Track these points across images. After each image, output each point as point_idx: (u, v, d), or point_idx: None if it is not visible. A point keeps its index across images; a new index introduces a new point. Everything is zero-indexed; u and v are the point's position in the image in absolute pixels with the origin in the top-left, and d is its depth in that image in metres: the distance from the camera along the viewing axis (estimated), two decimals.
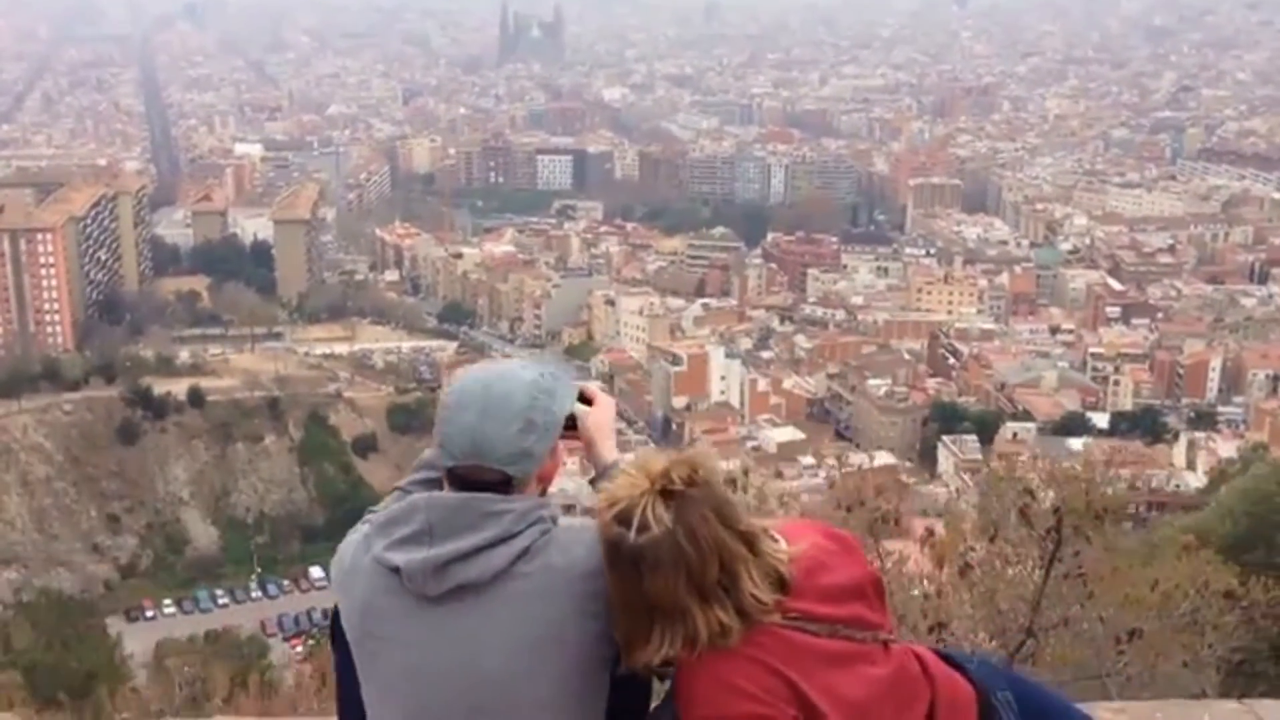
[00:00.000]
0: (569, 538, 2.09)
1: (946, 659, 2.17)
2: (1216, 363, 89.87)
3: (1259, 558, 8.16)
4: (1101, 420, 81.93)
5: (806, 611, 1.92)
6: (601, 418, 2.35)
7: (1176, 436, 75.59)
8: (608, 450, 2.31)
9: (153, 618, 63.18)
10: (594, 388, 2.40)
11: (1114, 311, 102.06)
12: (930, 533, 7.97)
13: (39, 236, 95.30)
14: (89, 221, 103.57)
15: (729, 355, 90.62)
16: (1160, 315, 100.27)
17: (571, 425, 2.26)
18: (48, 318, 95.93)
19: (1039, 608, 6.99)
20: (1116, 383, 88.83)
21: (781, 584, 1.92)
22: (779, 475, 73.45)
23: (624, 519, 1.90)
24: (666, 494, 1.90)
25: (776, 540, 1.97)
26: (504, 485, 2.10)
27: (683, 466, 1.91)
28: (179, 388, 79.35)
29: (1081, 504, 6.89)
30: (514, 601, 2.03)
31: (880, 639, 2.00)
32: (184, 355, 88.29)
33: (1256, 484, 8.94)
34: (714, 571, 1.86)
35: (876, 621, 2.00)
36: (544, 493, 2.20)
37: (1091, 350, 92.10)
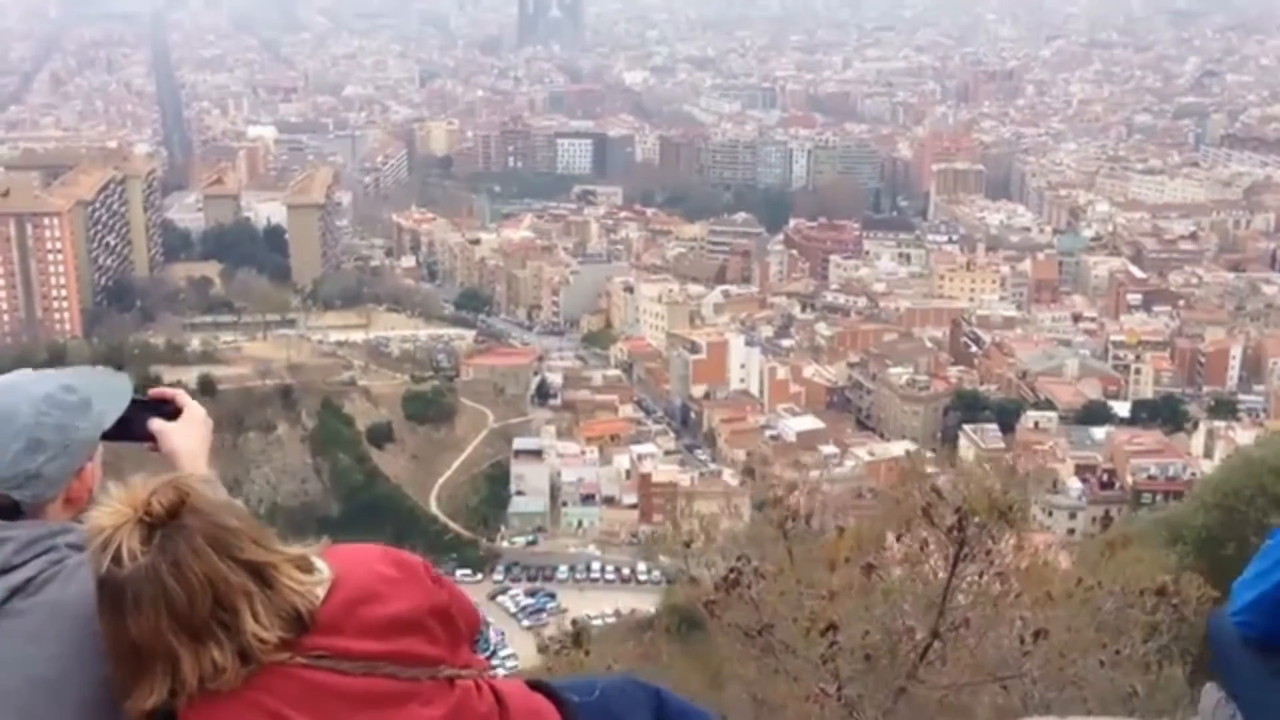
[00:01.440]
0: (87, 570, 1.82)
1: (549, 691, 2.05)
2: (1237, 351, 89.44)
3: (1232, 552, 7.85)
4: (1123, 409, 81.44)
5: (340, 648, 1.75)
6: (188, 434, 2.17)
7: (1196, 425, 74.63)
8: (194, 471, 2.12)
9: None
10: (185, 398, 2.21)
11: (1135, 299, 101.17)
12: (841, 531, 7.78)
13: (46, 220, 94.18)
14: (98, 205, 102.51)
15: (749, 343, 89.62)
16: (1182, 303, 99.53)
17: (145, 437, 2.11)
18: (55, 304, 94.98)
19: (944, 609, 6.96)
20: (1138, 371, 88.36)
21: (300, 619, 1.74)
22: (798, 464, 73.06)
23: (105, 551, 1.70)
24: (150, 524, 1.70)
25: (312, 570, 1.78)
26: (11, 511, 1.90)
27: (167, 493, 1.72)
28: (189, 376, 78.26)
29: (985, 503, 6.88)
30: (11, 640, 1.79)
31: (443, 675, 1.83)
32: (195, 343, 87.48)
33: (1227, 475, 8.66)
34: (205, 608, 1.68)
35: (436, 656, 1.83)
36: (76, 517, 1.94)
37: (1113, 338, 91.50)
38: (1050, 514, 54.58)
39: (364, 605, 1.79)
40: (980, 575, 7.09)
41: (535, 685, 2.06)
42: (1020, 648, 6.80)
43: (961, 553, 7.09)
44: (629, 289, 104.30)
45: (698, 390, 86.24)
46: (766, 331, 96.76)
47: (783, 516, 7.38)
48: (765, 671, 7.45)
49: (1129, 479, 65.90)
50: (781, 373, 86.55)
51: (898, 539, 7.35)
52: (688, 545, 8.31)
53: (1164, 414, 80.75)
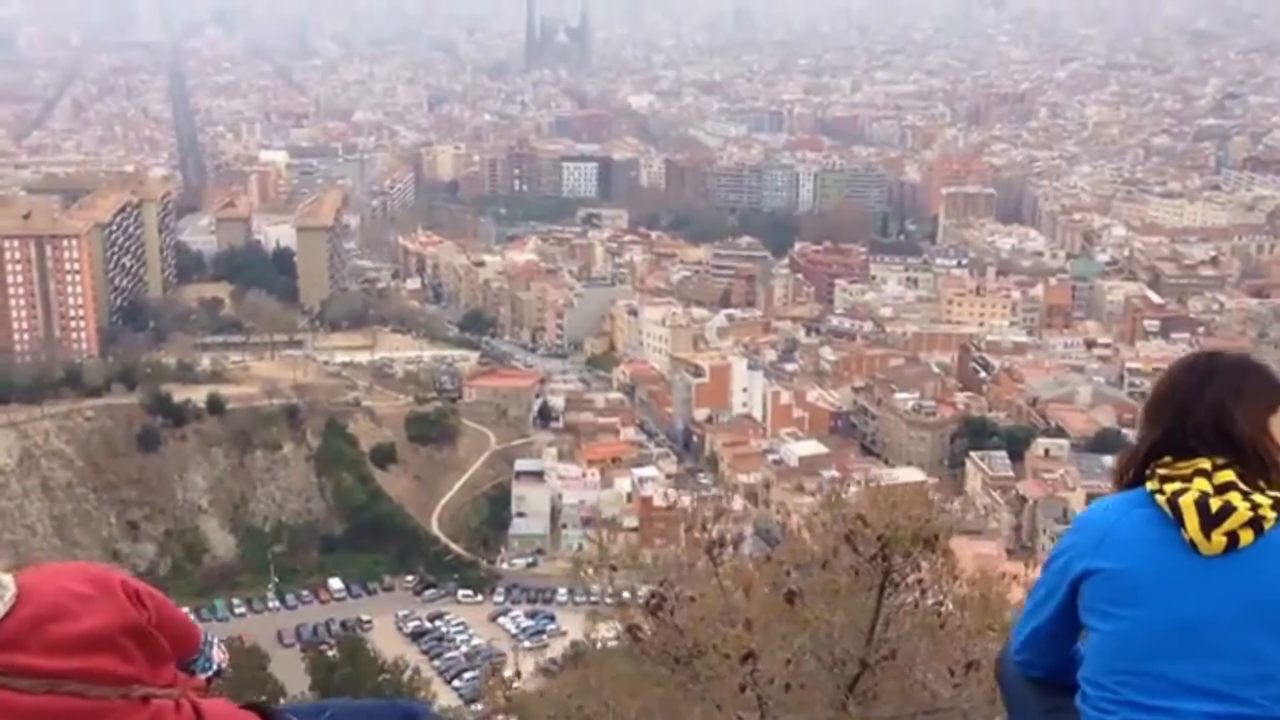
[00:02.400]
0: None
1: (265, 711, 2.03)
2: None
3: None
4: None
5: (21, 665, 1.72)
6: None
7: None
8: None
9: None
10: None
11: (1153, 325, 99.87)
12: (767, 558, 7.69)
13: (65, 242, 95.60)
14: (114, 228, 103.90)
15: (751, 367, 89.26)
16: (1201, 329, 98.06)
17: None
18: (73, 324, 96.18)
19: (872, 639, 6.83)
20: None
21: None
22: (800, 489, 72.57)
23: None
24: None
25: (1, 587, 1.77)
26: None
27: None
28: (199, 395, 79.10)
29: (909, 531, 6.72)
30: None
31: (136, 694, 1.80)
32: (205, 362, 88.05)
33: None
34: None
35: (130, 674, 1.80)
36: None
37: (1129, 365, 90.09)
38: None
39: (52, 622, 1.76)
40: (915, 605, 6.94)
41: (252, 705, 2.03)
42: (951, 680, 6.67)
43: (887, 580, 6.99)
44: (632, 312, 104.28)
45: (700, 414, 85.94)
46: (770, 355, 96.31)
47: (710, 542, 7.25)
48: (691, 698, 7.41)
49: None
50: (785, 397, 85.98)
51: (823, 566, 7.19)
52: (614, 569, 8.27)
53: None
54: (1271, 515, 2.26)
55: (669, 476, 78.10)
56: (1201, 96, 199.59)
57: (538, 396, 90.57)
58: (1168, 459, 2.36)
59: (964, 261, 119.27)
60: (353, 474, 78.68)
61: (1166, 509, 2.30)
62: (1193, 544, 2.27)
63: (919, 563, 6.87)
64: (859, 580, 7.11)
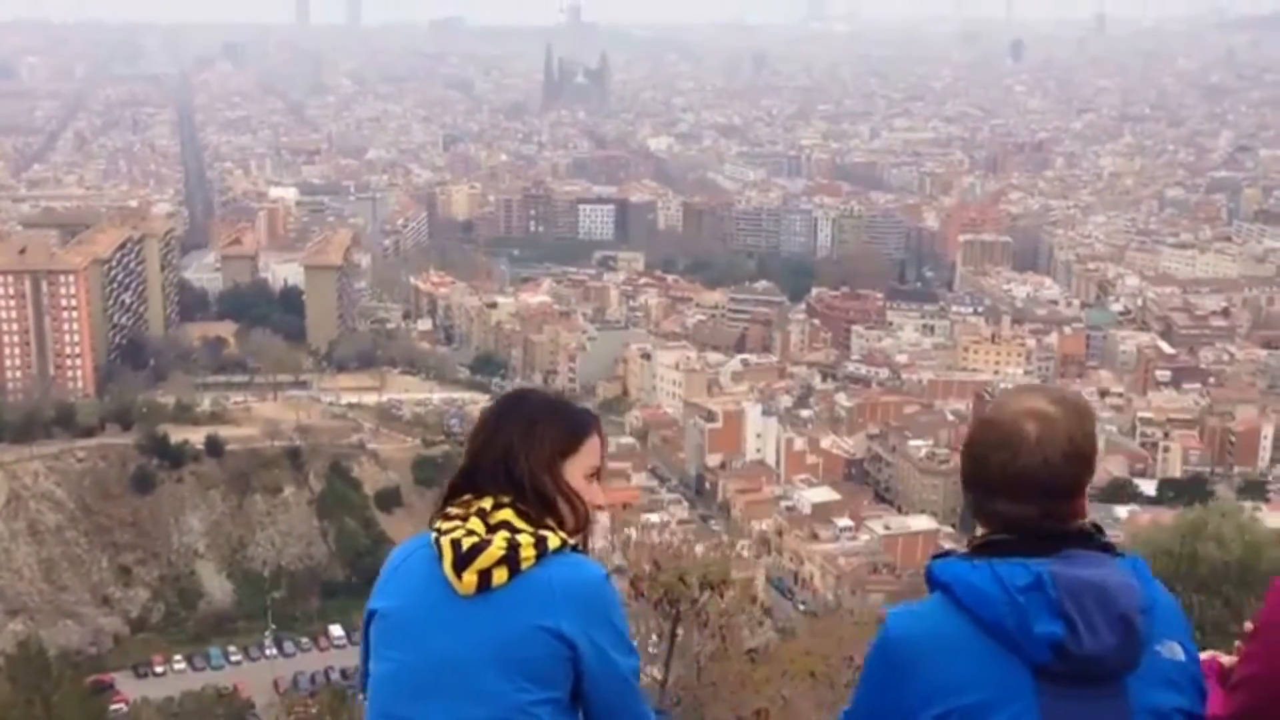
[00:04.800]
0: None
1: None
2: (1269, 430, 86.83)
3: None
4: (1149, 487, 79.06)
5: None
6: None
7: None
8: None
9: (162, 674, 61.54)
10: None
11: (1164, 375, 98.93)
12: None
13: (61, 279, 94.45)
14: (114, 264, 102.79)
15: (765, 413, 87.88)
16: (1212, 380, 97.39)
17: None
18: (69, 362, 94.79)
19: (665, 684, 6.85)
20: (1166, 449, 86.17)
21: None
22: (814, 537, 71.07)
23: None
24: None
25: None
26: None
27: None
28: (197, 436, 77.57)
29: (697, 577, 6.83)
30: None
31: None
32: (205, 403, 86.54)
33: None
34: None
35: None
36: None
37: (1141, 415, 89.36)
38: None
39: None
40: (711, 652, 6.53)
41: None
42: None
43: (677, 626, 7.03)
44: (646, 356, 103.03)
45: (713, 460, 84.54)
46: (786, 401, 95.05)
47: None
48: None
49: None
50: (799, 443, 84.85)
51: None
52: None
53: (1191, 493, 78.15)
54: (531, 554, 2.29)
55: (680, 522, 76.30)
56: (1214, 149, 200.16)
57: None
58: (468, 497, 2.40)
59: (980, 309, 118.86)
60: (356, 518, 77.02)
61: (434, 548, 2.33)
62: (451, 583, 2.30)
63: (704, 610, 6.65)
64: (648, 626, 6.87)
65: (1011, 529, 2.25)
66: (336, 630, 68.21)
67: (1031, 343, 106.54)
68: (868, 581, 62.96)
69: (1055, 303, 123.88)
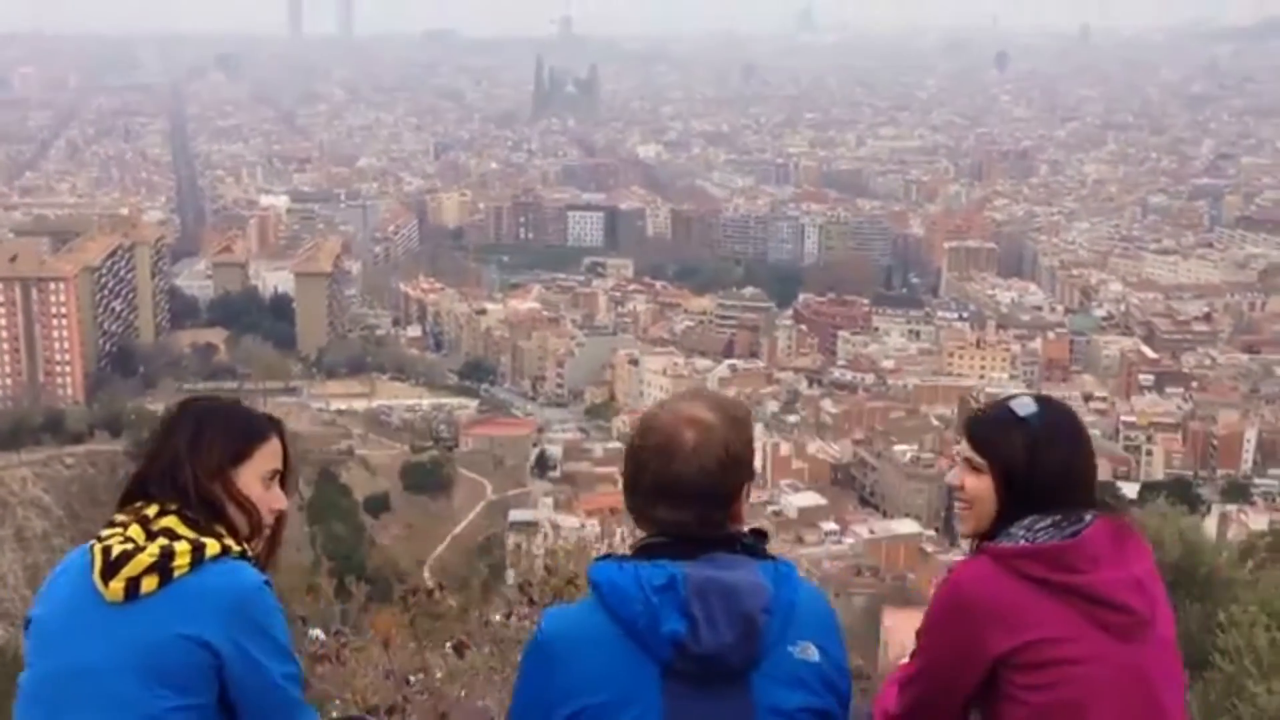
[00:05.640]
0: None
1: None
2: (1252, 434, 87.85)
3: None
4: (1131, 490, 79.63)
5: None
6: None
7: (1209, 508, 72.86)
8: None
9: None
10: None
11: (1147, 380, 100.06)
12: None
13: (51, 286, 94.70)
14: (104, 271, 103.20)
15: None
16: (1195, 384, 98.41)
17: None
18: (58, 369, 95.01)
19: None
20: (1149, 452, 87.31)
21: None
22: (800, 540, 71.88)
23: None
24: None
25: None
26: None
27: None
28: None
29: (563, 574, 6.52)
30: None
31: None
32: None
33: None
34: None
35: None
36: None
37: (1124, 419, 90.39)
38: None
39: None
40: None
41: None
42: None
43: None
44: (634, 362, 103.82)
45: None
46: (772, 406, 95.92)
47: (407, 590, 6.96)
48: None
49: None
50: (785, 448, 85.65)
51: (506, 617, 6.72)
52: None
53: (1174, 496, 78.68)
54: (185, 562, 2.29)
55: None
56: (1196, 157, 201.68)
57: (535, 446, 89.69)
58: (139, 504, 2.41)
59: (965, 315, 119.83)
60: (345, 523, 77.41)
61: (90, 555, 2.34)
62: (100, 590, 2.30)
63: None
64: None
65: (667, 532, 2.32)
66: (319, 635, 68.51)
67: (1016, 348, 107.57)
68: (851, 585, 63.50)
69: (1039, 308, 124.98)
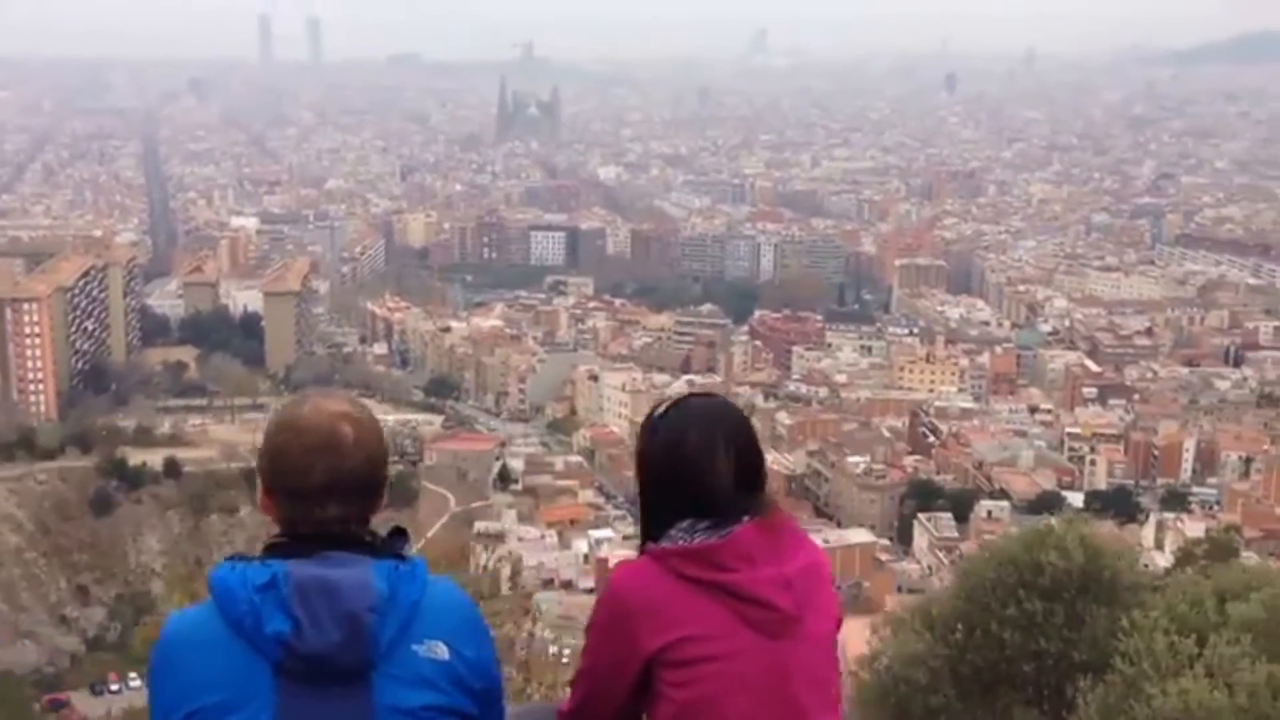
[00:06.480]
0: None
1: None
2: (1191, 444, 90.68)
3: (963, 636, 8.24)
4: (1077, 499, 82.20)
5: None
6: None
7: (1148, 517, 75.98)
8: None
9: (118, 691, 61.85)
10: None
11: (1091, 392, 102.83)
12: None
13: (25, 305, 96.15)
14: (77, 291, 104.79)
15: None
16: (1136, 396, 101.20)
17: None
18: (31, 387, 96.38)
19: None
20: (1092, 463, 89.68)
21: None
22: None
23: None
24: None
25: None
26: None
27: None
28: (155, 458, 79.38)
29: None
30: None
31: None
32: (165, 426, 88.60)
33: (973, 564, 8.64)
34: None
35: None
36: None
37: (1068, 430, 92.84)
38: None
39: None
40: None
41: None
42: None
43: None
44: (594, 377, 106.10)
45: None
46: None
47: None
48: None
49: None
50: None
51: None
52: None
53: (1117, 505, 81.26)
54: None
55: (625, 538, 79.45)
56: (1138, 177, 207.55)
57: (498, 459, 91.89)
58: None
59: (915, 330, 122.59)
60: None
61: None
62: None
63: None
64: None
65: (291, 531, 2.30)
66: None
67: (964, 362, 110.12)
68: None
69: (987, 324, 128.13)
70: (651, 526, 2.64)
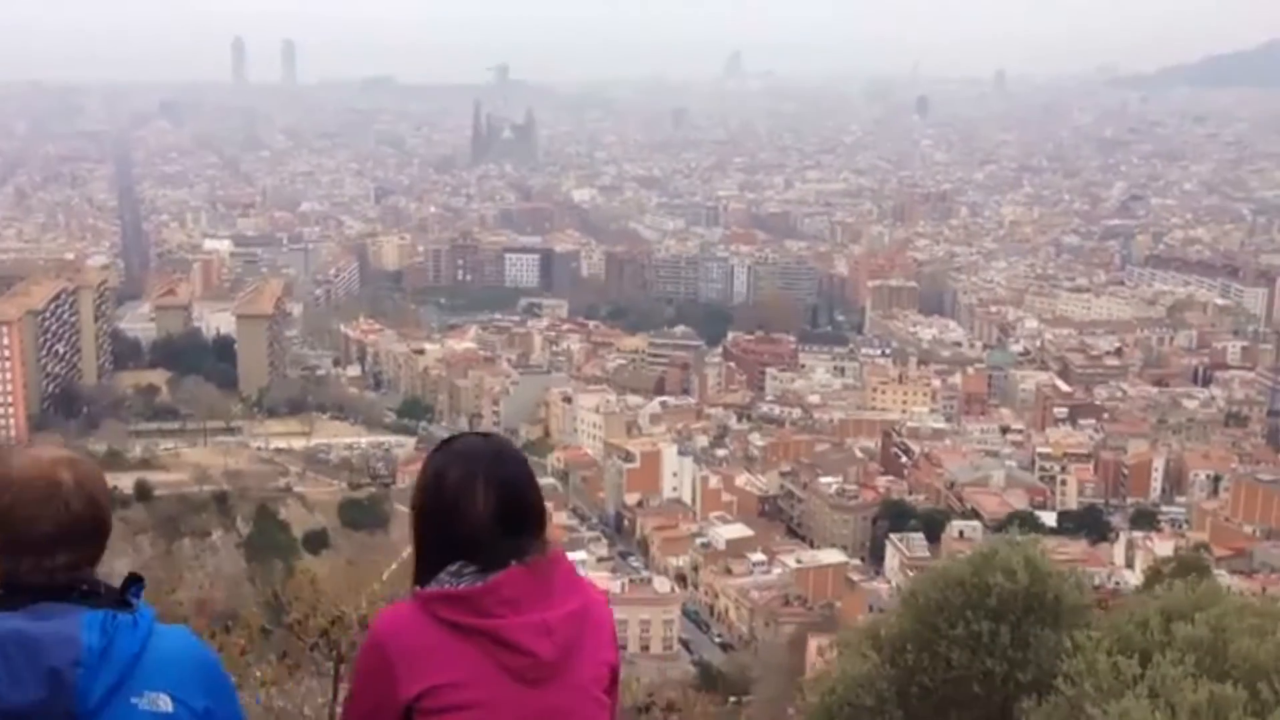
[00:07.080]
0: None
1: None
2: (1160, 463, 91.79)
3: (913, 656, 8.28)
4: (1049, 519, 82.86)
5: None
6: None
7: (1118, 535, 76.62)
8: None
9: None
10: None
11: (1062, 412, 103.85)
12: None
13: None
14: (48, 315, 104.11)
15: (681, 453, 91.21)
16: (1106, 416, 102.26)
17: None
18: (1, 410, 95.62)
19: None
20: (1063, 482, 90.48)
21: None
22: (728, 571, 74.15)
23: None
24: None
25: None
26: None
27: None
28: (126, 482, 78.73)
29: (356, 616, 6.51)
30: None
31: None
32: (137, 449, 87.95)
33: (919, 585, 8.68)
34: None
35: None
36: None
37: (1039, 450, 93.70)
38: None
39: None
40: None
41: None
42: None
43: (340, 669, 6.48)
44: (567, 399, 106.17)
45: (631, 499, 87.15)
46: (702, 441, 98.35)
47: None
48: None
49: None
50: (714, 482, 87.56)
51: (281, 657, 6.76)
52: None
53: (1088, 524, 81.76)
54: None
55: (600, 560, 79.38)
56: (1108, 198, 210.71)
57: None
58: None
59: (888, 351, 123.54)
60: (284, 560, 78.62)
61: None
62: None
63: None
64: (297, 671, 6.82)
65: (9, 582, 2.22)
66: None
67: (937, 383, 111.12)
68: (780, 614, 64.98)
69: (959, 344, 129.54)
70: (421, 569, 2.57)
